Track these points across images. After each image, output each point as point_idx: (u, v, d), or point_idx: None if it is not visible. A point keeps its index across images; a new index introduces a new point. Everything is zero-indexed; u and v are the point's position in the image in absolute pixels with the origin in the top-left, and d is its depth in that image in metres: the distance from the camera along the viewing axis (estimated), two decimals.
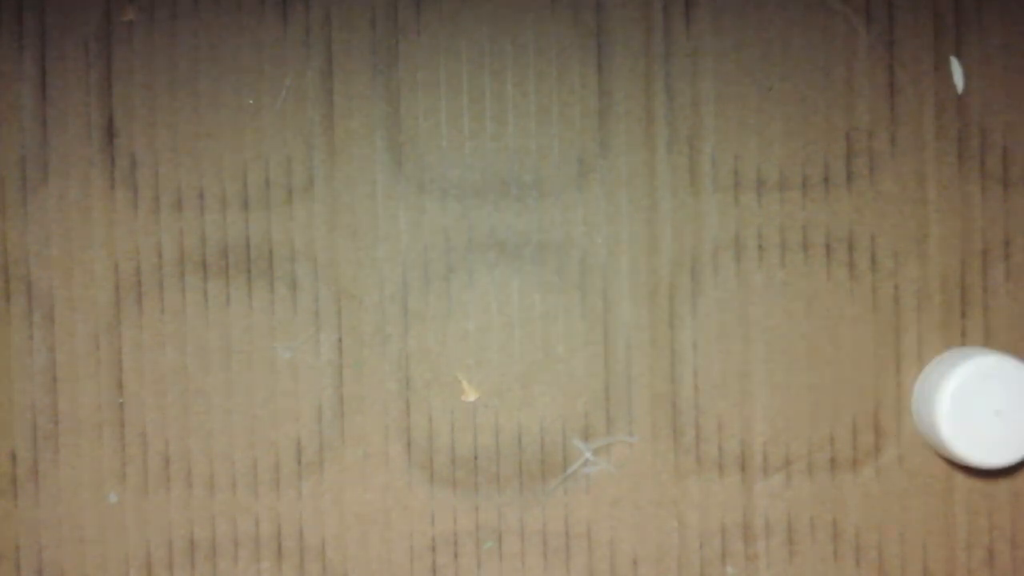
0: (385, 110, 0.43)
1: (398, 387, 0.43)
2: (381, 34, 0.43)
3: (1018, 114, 0.43)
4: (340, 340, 0.43)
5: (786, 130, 0.43)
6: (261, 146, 0.43)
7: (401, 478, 0.43)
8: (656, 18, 0.43)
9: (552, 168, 0.43)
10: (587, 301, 0.43)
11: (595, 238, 0.43)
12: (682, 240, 0.43)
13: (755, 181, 0.43)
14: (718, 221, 0.43)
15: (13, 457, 0.43)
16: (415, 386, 0.43)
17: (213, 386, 0.43)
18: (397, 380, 0.43)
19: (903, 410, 0.43)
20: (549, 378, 0.43)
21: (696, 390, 0.43)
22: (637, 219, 0.43)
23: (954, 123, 0.43)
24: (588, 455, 0.43)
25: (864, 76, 0.43)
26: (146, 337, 0.43)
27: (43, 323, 0.43)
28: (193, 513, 0.43)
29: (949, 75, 0.43)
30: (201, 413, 0.43)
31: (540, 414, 0.43)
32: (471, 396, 0.43)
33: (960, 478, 0.43)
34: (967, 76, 0.43)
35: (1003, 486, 0.43)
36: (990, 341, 0.43)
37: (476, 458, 0.43)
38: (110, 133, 0.43)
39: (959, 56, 0.43)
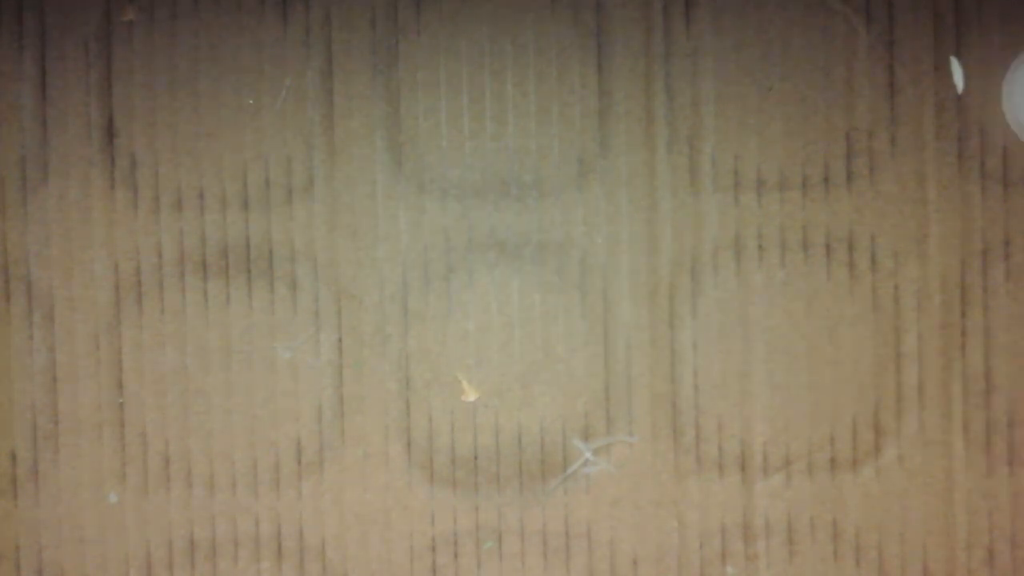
0: (385, 110, 0.43)
1: (398, 387, 0.43)
2: (381, 34, 0.43)
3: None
4: (340, 340, 0.43)
5: (786, 130, 0.43)
6: (261, 146, 0.43)
7: (401, 478, 0.43)
8: (656, 18, 0.43)
9: (552, 168, 0.43)
10: (587, 301, 0.43)
11: (595, 238, 0.43)
12: (682, 240, 0.43)
13: (755, 181, 0.43)
14: (718, 221, 0.43)
15: (13, 457, 0.43)
16: (415, 386, 0.43)
17: (213, 386, 0.43)
18: (397, 380, 0.43)
19: (903, 410, 0.43)
20: (549, 378, 0.43)
21: (696, 390, 0.43)
22: (637, 219, 0.43)
23: (954, 123, 0.43)
24: (588, 455, 0.43)
25: (864, 76, 0.43)
26: (146, 337, 0.43)
27: (43, 323, 0.43)
28: (193, 513, 0.43)
29: (949, 75, 0.43)
30: (201, 413, 0.43)
31: (540, 414, 0.43)
32: (471, 396, 0.43)
33: (960, 478, 0.43)
34: (967, 76, 0.43)
35: (1003, 486, 0.43)
36: (990, 341, 0.43)
37: (476, 458, 0.43)
38: (110, 133, 0.43)
39: (959, 56, 0.43)
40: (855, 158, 0.43)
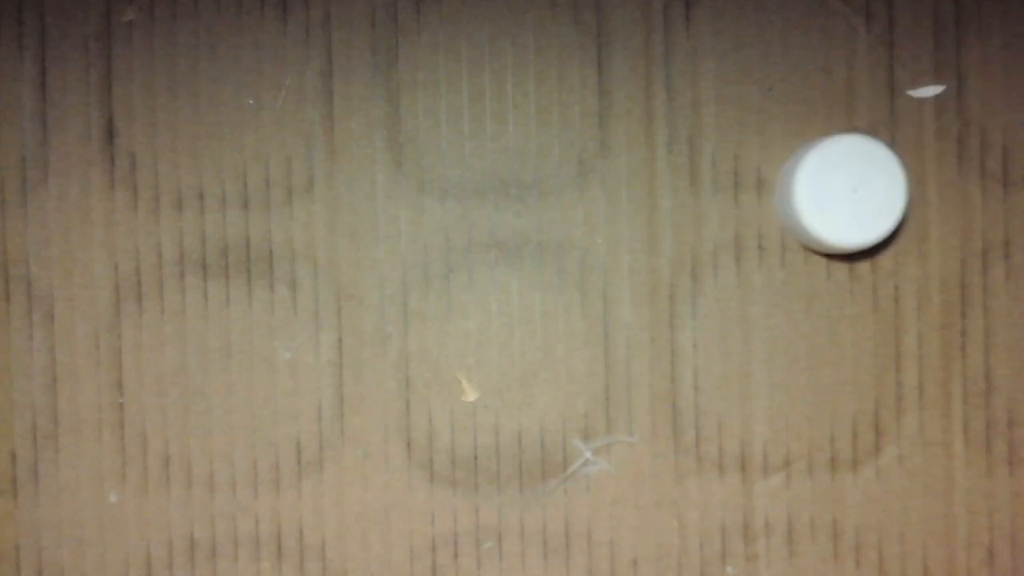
0: (385, 110, 0.43)
1: (398, 387, 0.43)
2: (381, 34, 0.43)
3: (1018, 114, 0.43)
4: (340, 340, 0.43)
5: (786, 130, 0.43)
6: (261, 146, 0.43)
7: (401, 478, 0.43)
8: (656, 18, 0.43)
9: (552, 168, 0.43)
10: (587, 301, 0.43)
11: (595, 238, 0.43)
12: (682, 240, 0.43)
13: (755, 181, 0.43)
14: (718, 221, 0.43)
15: (13, 457, 0.43)
16: (415, 386, 0.43)
17: (213, 386, 0.43)
18: (397, 380, 0.43)
19: (903, 410, 0.43)
20: (549, 378, 0.43)
21: (696, 390, 0.43)
22: (637, 219, 0.43)
23: (954, 123, 0.43)
24: (588, 455, 0.43)
25: (864, 76, 0.43)
26: (146, 337, 0.43)
27: (43, 323, 0.43)
28: (193, 513, 0.43)
29: (949, 75, 0.43)
30: (201, 413, 0.43)
31: (540, 414, 0.43)
32: (471, 396, 0.43)
33: (960, 478, 0.43)
34: (967, 76, 0.43)
35: (1003, 486, 0.43)
36: (990, 341, 0.43)
37: (476, 458, 0.43)
38: (110, 133, 0.43)
39: (959, 56, 0.43)
40: None
